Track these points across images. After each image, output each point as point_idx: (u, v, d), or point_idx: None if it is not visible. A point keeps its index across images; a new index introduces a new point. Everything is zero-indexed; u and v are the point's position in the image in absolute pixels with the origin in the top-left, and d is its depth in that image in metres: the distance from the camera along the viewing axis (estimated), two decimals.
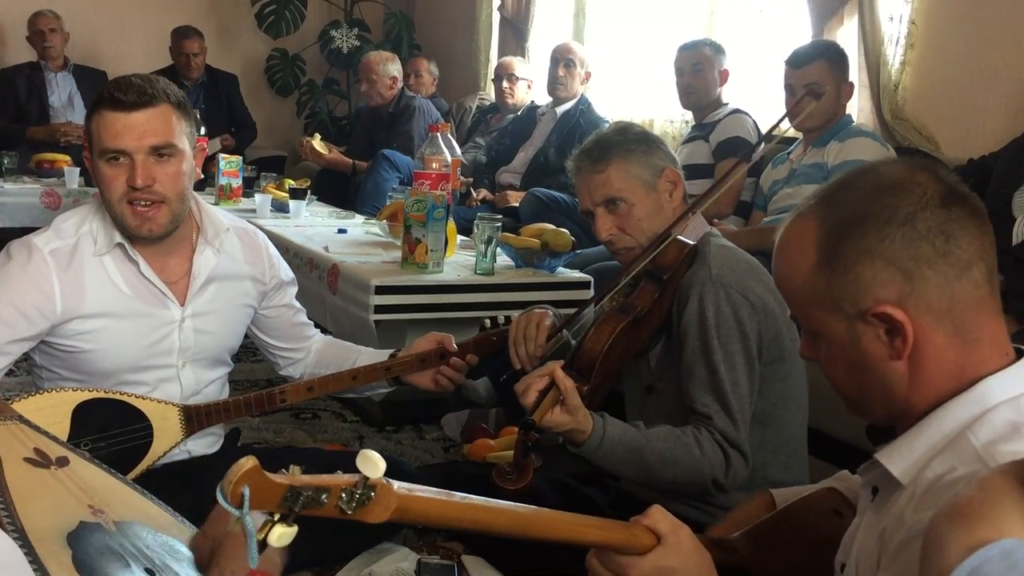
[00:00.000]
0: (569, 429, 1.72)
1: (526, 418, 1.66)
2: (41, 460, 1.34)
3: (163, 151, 1.87)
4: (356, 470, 2.03)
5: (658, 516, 1.17)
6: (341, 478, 0.98)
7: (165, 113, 1.87)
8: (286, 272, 2.22)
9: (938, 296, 1.03)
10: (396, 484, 1.01)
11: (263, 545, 0.95)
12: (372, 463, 0.96)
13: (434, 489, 1.06)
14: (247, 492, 0.91)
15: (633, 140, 1.97)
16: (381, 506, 0.99)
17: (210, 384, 2.09)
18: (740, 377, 1.82)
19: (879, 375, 1.06)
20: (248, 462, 0.92)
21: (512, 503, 1.14)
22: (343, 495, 0.97)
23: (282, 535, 0.95)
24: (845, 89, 3.28)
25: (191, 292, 2.01)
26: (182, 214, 1.95)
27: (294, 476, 0.95)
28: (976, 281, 1.04)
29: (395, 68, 5.40)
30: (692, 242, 1.92)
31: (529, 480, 1.68)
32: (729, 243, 1.98)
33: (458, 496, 1.08)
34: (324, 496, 0.96)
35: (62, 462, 1.36)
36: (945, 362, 1.04)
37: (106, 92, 1.86)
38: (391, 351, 2.17)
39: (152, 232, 1.90)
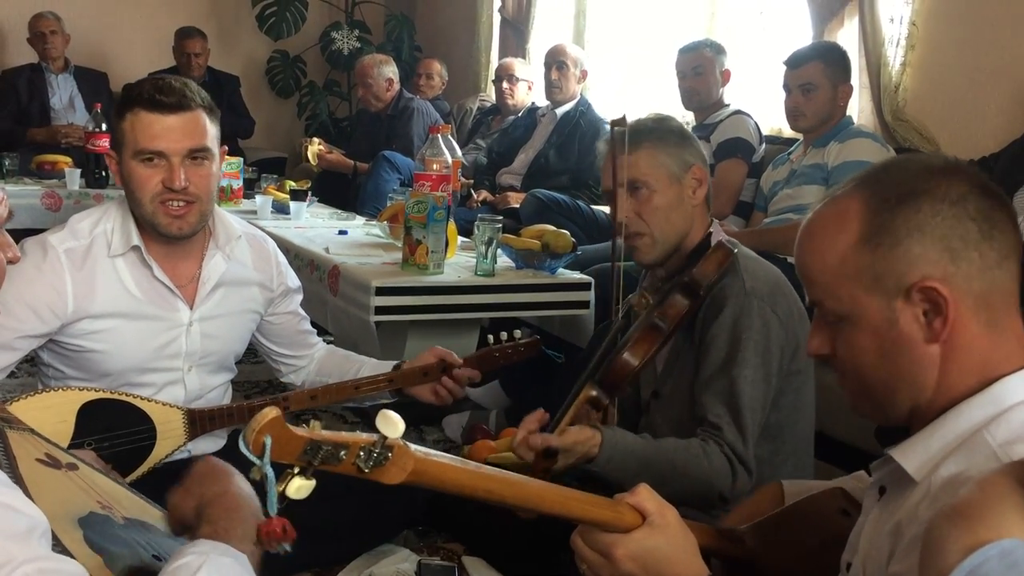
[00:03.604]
0: (579, 453, 1.71)
1: (548, 446, 1.65)
2: (52, 463, 1.36)
3: (198, 154, 1.90)
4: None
5: (645, 495, 1.16)
6: (360, 436, 0.98)
7: (200, 117, 1.90)
8: (293, 280, 2.23)
9: (980, 279, 1.02)
10: (413, 447, 1.01)
11: (282, 497, 0.95)
12: (391, 423, 0.97)
13: (449, 456, 1.07)
14: (268, 442, 0.92)
15: (668, 131, 1.97)
16: (397, 467, 0.99)
17: (213, 390, 2.10)
18: (757, 393, 1.81)
19: (912, 360, 1.05)
20: (271, 412, 0.93)
21: (522, 476, 1.15)
22: (361, 453, 0.97)
23: (300, 487, 0.96)
24: (843, 90, 3.28)
25: (200, 296, 2.02)
26: (209, 214, 1.98)
27: (314, 431, 0.96)
28: (1012, 273, 1.04)
29: (390, 70, 5.37)
30: (735, 250, 1.87)
31: None
32: (752, 253, 1.97)
33: (472, 465, 1.09)
34: (343, 452, 0.96)
35: (72, 467, 1.38)
36: (976, 352, 1.03)
37: (145, 92, 1.87)
38: (394, 363, 2.17)
39: (182, 230, 1.92)
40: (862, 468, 1.26)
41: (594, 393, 1.79)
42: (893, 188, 1.06)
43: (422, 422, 3.14)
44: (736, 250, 1.88)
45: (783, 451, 1.91)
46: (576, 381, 1.84)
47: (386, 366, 2.16)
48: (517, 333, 2.17)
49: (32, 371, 2.09)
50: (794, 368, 1.89)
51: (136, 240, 1.94)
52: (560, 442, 1.67)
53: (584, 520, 1.15)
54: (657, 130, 1.97)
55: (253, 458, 0.93)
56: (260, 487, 0.97)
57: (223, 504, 1.15)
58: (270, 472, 0.94)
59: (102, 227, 1.95)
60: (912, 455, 1.05)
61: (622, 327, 1.86)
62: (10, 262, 1.27)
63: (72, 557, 1.07)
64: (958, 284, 1.02)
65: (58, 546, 1.07)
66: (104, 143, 4.40)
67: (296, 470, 0.96)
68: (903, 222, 1.04)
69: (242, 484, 1.20)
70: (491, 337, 2.16)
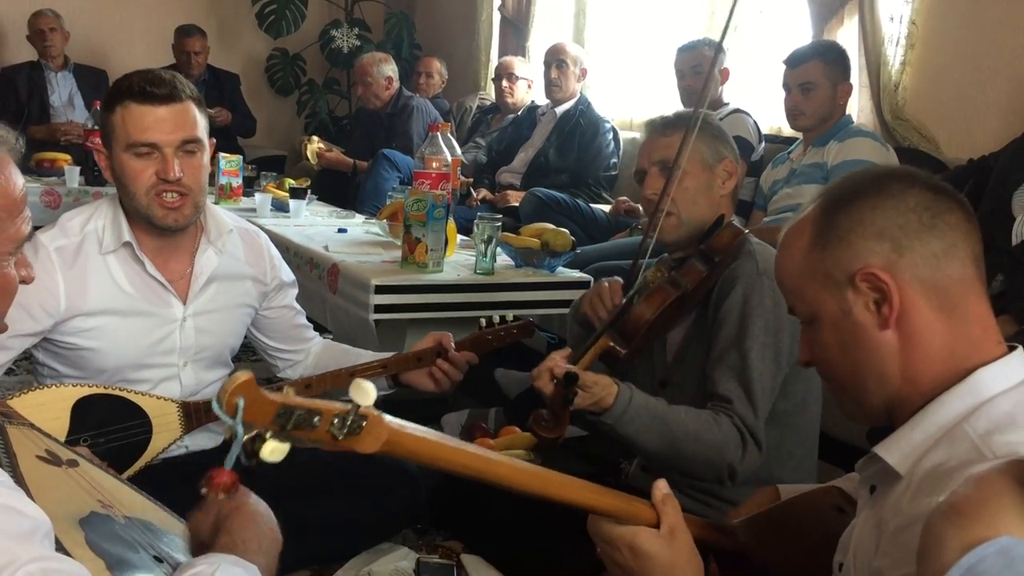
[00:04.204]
0: (596, 396, 1.73)
1: (568, 371, 1.68)
2: (52, 459, 1.36)
3: (191, 145, 1.90)
4: (355, 470, 2.02)
5: (670, 509, 1.20)
6: (334, 405, 0.99)
7: (191, 108, 1.90)
8: (287, 273, 2.23)
9: (924, 266, 1.07)
10: (388, 417, 1.02)
11: (258, 461, 0.96)
12: (363, 391, 0.97)
13: (427, 428, 1.08)
14: (241, 403, 0.93)
15: (709, 124, 2.02)
16: (372, 436, 1.00)
17: (210, 385, 2.09)
18: (767, 370, 1.84)
19: (871, 349, 1.09)
20: (244, 375, 0.94)
21: (504, 455, 1.16)
22: (335, 420, 0.98)
23: (274, 450, 0.96)
24: (842, 89, 3.28)
25: (192, 291, 2.02)
26: (203, 206, 1.98)
27: (288, 396, 0.97)
28: (962, 260, 1.08)
29: (390, 68, 5.37)
30: (745, 230, 1.94)
31: (564, 431, 1.71)
32: (765, 243, 2.00)
33: (451, 440, 1.10)
34: (316, 419, 0.97)
35: (72, 463, 1.39)
36: (935, 337, 1.07)
37: (135, 85, 1.87)
38: (391, 354, 2.16)
39: (177, 223, 1.92)
40: None
41: (611, 343, 1.81)
42: (838, 192, 1.15)
43: (421, 421, 3.13)
44: (746, 231, 1.93)
45: (788, 440, 1.93)
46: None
47: (384, 357, 2.16)
48: (509, 316, 2.17)
49: (31, 368, 2.08)
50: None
51: (128, 236, 1.94)
52: (582, 375, 1.70)
53: (565, 500, 1.17)
54: (699, 120, 2.01)
55: (225, 418, 0.94)
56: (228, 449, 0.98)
57: (240, 515, 1.17)
58: (240, 431, 0.94)
59: (93, 224, 1.95)
60: (895, 449, 1.07)
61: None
62: (23, 281, 1.27)
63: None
64: (902, 271, 1.07)
65: (60, 549, 1.07)
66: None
67: (269, 433, 0.96)
68: (845, 219, 1.11)
69: (258, 502, 1.21)
70: (483, 320, 2.16)
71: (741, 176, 3.69)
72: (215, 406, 0.94)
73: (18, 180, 1.22)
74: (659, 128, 2.04)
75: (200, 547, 1.22)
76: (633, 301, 1.85)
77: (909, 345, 1.07)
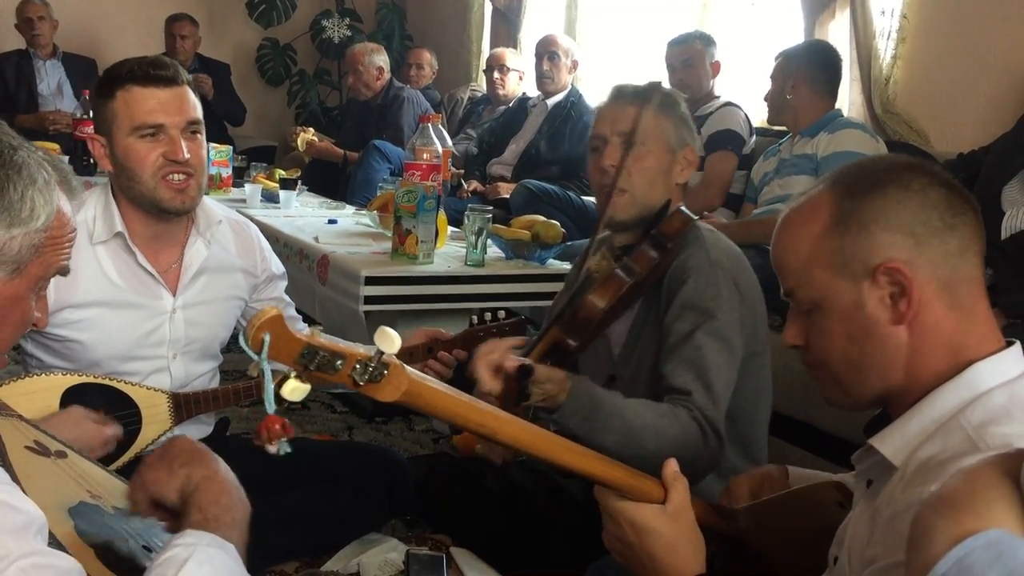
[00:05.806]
0: (548, 391, 1.61)
1: (523, 364, 1.59)
2: (41, 450, 1.36)
3: (194, 126, 1.91)
4: (342, 460, 2.01)
5: (680, 487, 1.21)
6: (358, 350, 1.00)
7: (188, 91, 1.92)
8: (277, 266, 2.22)
9: (943, 265, 1.07)
10: (409, 369, 1.02)
11: (279, 398, 0.96)
12: (388, 338, 0.98)
13: (446, 384, 1.09)
14: (267, 339, 0.93)
15: (677, 103, 1.96)
16: (392, 385, 1.01)
17: (199, 377, 2.08)
18: (723, 363, 1.77)
19: (880, 342, 1.08)
20: (271, 310, 0.94)
21: (515, 417, 1.15)
22: (357, 365, 0.98)
23: (295, 389, 0.97)
24: (790, 84, 3.30)
25: (182, 283, 2.01)
26: (204, 187, 1.99)
27: (313, 336, 0.97)
28: (973, 261, 1.08)
29: (381, 59, 5.36)
30: (696, 217, 1.89)
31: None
32: (715, 230, 1.96)
33: (468, 397, 1.10)
34: (339, 362, 0.97)
35: (60, 455, 1.38)
36: (943, 335, 1.07)
37: (136, 69, 1.88)
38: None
39: (184, 204, 1.93)
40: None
41: (562, 335, 1.74)
42: (861, 179, 1.12)
43: (411, 413, 3.14)
44: (696, 218, 1.88)
45: (740, 435, 1.88)
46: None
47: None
48: (501, 313, 2.17)
49: (19, 359, 2.07)
50: (754, 349, 1.86)
51: (120, 226, 1.93)
52: (537, 368, 1.59)
53: (574, 468, 1.17)
54: (669, 97, 1.95)
55: (252, 354, 0.94)
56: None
57: (212, 490, 1.14)
58: (267, 369, 0.94)
59: (83, 215, 1.93)
60: (889, 441, 1.08)
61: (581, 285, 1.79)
62: (35, 326, 1.27)
63: (64, 549, 1.08)
64: (921, 268, 1.06)
65: (50, 538, 1.07)
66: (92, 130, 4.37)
67: (292, 373, 0.97)
68: (869, 208, 1.09)
69: (227, 469, 1.19)
70: (475, 317, 2.16)
71: (731, 169, 3.71)
72: (241, 341, 0.94)
73: (70, 220, 1.23)
74: (628, 96, 1.92)
75: (150, 505, 1.20)
76: (582, 292, 1.75)
77: (918, 341, 1.07)
